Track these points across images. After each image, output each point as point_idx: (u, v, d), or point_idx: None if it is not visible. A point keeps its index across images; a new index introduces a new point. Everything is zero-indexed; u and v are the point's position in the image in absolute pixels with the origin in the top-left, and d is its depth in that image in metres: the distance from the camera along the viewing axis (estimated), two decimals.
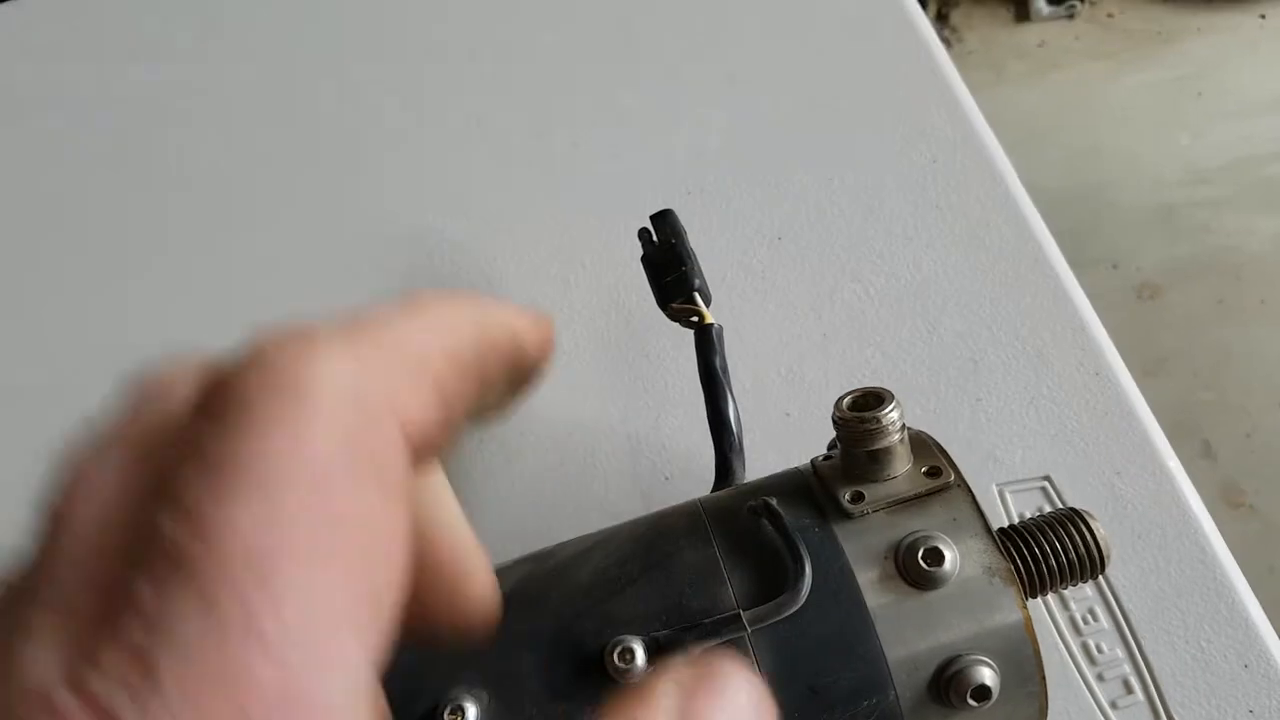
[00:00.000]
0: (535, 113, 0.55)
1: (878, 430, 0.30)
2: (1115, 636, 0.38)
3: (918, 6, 0.55)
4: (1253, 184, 1.55)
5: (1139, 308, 1.41)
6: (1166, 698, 0.37)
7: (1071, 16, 1.83)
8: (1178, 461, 0.41)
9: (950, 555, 0.29)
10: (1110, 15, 1.81)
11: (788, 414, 0.44)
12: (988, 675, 0.28)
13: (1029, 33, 1.81)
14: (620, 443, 0.45)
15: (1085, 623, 0.38)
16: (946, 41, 1.77)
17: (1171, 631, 0.38)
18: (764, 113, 0.53)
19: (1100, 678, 0.37)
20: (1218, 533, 0.40)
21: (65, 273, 0.55)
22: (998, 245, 0.46)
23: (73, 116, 0.62)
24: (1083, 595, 0.39)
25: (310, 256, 0.53)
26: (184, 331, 0.50)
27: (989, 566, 0.29)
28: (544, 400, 0.46)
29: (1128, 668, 0.38)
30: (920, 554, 0.29)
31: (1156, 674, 0.37)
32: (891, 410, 0.30)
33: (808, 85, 0.53)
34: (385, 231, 0.53)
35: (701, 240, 0.42)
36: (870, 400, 0.31)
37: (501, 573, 0.34)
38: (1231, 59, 1.71)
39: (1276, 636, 0.37)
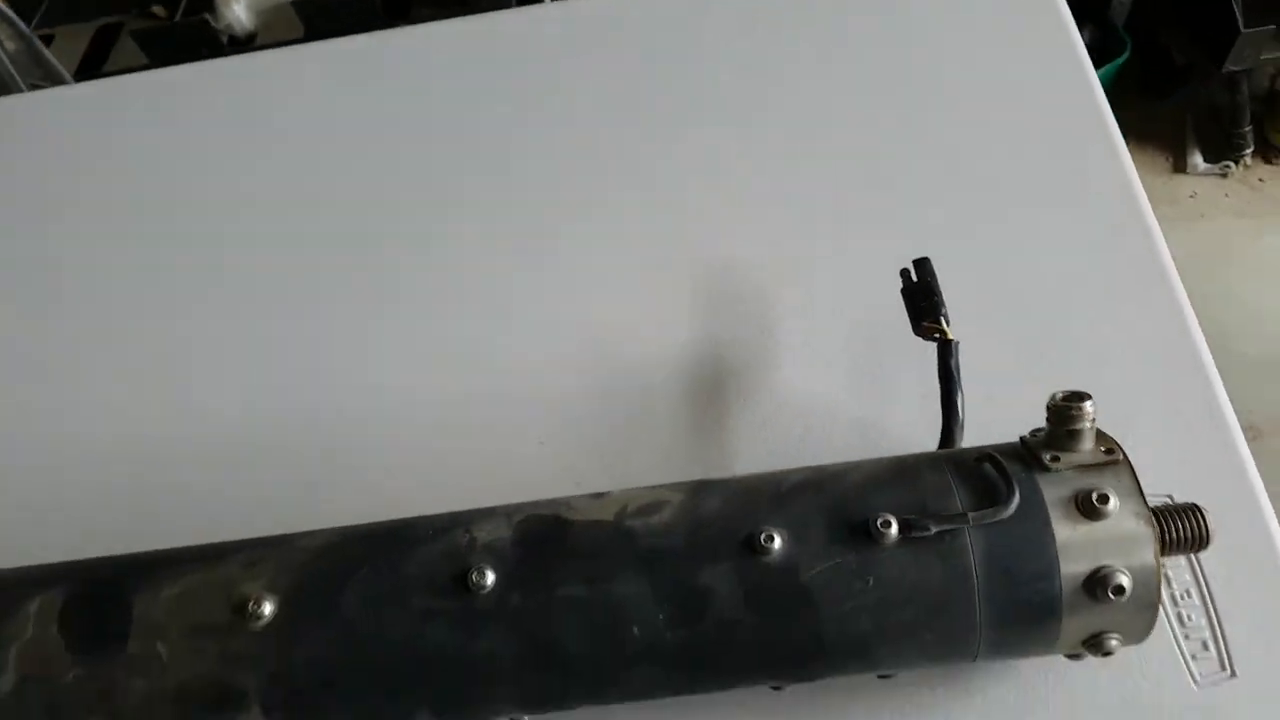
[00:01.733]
0: (817, 182, 0.73)
1: (1079, 415, 0.46)
2: (1201, 611, 0.52)
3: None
4: None
5: None
6: (1234, 658, 0.51)
7: (1225, 175, 1.96)
8: (1267, 499, 0.55)
9: (1114, 502, 0.44)
10: (1261, 180, 1.94)
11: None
12: (1125, 581, 0.43)
13: (1183, 184, 1.94)
14: (852, 421, 0.61)
15: (1182, 598, 0.53)
16: None
17: (1245, 613, 0.52)
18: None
19: (1187, 637, 0.52)
20: None
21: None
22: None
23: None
24: (1182, 579, 0.53)
25: (642, 281, 0.70)
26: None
27: (1138, 514, 0.44)
28: (791, 383, 0.63)
29: (1207, 634, 0.52)
30: (1094, 497, 0.44)
31: (1229, 641, 0.51)
32: (1089, 404, 0.46)
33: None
34: (704, 263, 0.70)
35: None
36: (1075, 396, 0.47)
37: (788, 472, 0.50)
38: None
39: None
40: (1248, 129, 1.93)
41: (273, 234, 0.77)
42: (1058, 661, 0.51)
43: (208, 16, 1.37)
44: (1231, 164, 1.96)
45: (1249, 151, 1.94)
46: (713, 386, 0.63)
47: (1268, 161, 1.97)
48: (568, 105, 0.82)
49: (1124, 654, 0.49)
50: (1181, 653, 0.51)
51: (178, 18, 1.39)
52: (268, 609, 0.44)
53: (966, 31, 0.82)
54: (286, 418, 0.65)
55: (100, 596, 0.46)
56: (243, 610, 0.44)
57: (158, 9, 1.46)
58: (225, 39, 1.40)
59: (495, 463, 0.56)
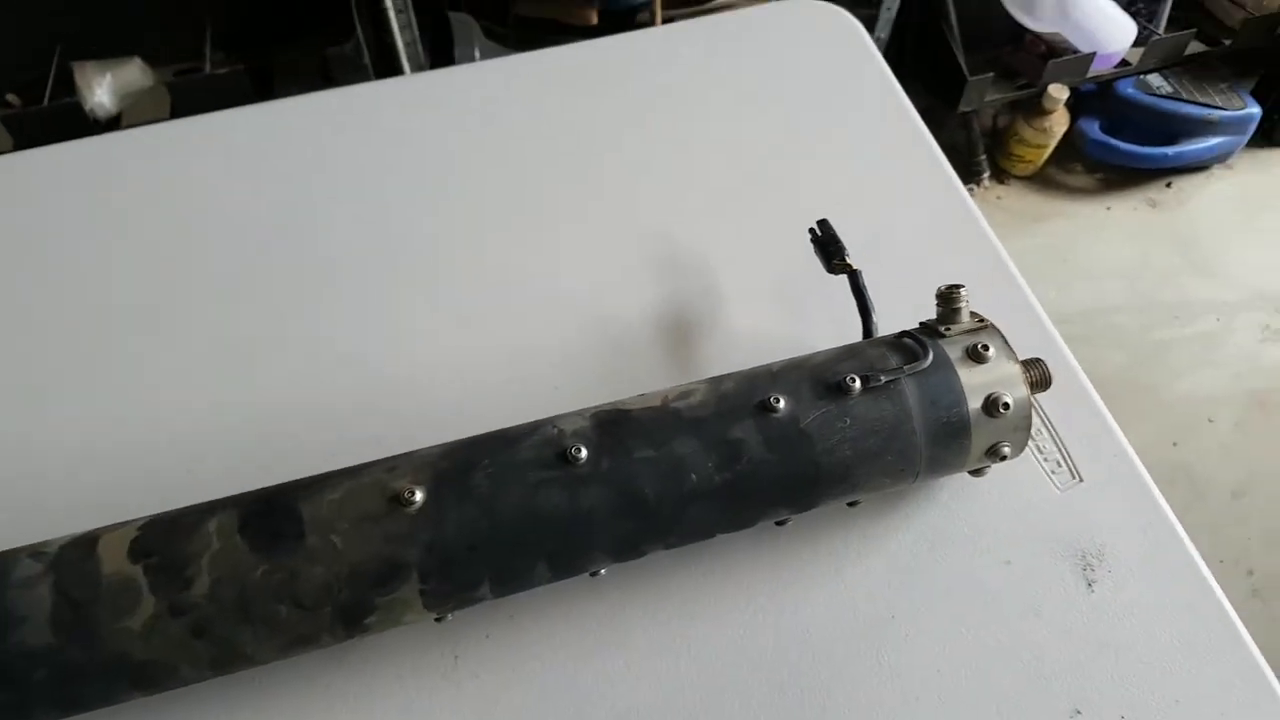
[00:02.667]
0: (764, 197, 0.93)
1: (958, 297, 0.67)
2: (1049, 439, 0.74)
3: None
4: (1100, 328, 2.05)
5: None
6: (1079, 469, 0.73)
7: (970, 195, 2.37)
8: (1075, 361, 0.79)
9: (993, 351, 0.65)
10: (999, 197, 2.36)
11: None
12: (1010, 400, 0.64)
13: None
14: (786, 342, 0.80)
15: (1037, 434, 0.75)
16: None
17: (1078, 437, 0.75)
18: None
19: (1044, 459, 0.73)
20: (1105, 408, 0.77)
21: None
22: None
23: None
24: (1035, 424, 0.75)
25: (613, 259, 0.87)
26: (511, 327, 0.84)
27: (1009, 358, 0.65)
28: (735, 320, 0.81)
29: (1057, 456, 0.74)
30: (979, 347, 0.65)
31: (1073, 458, 0.73)
32: (964, 290, 0.67)
33: None
34: (652, 239, 0.88)
35: None
36: (954, 286, 0.68)
37: (770, 364, 0.67)
38: (1085, 236, 2.25)
39: (1125, 439, 0.74)
40: (982, 158, 2.35)
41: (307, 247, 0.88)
42: (965, 484, 0.71)
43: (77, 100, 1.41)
44: (975, 185, 2.37)
45: (986, 175, 2.36)
46: (678, 328, 0.81)
47: (1001, 183, 2.41)
48: (516, 148, 0.99)
49: (1005, 477, 0.70)
50: (1044, 470, 0.73)
51: (45, 103, 1.42)
52: (419, 496, 0.57)
53: (809, 78, 1.06)
54: (335, 392, 0.77)
55: (271, 509, 0.57)
56: (398, 499, 0.57)
57: (12, 97, 1.48)
58: (92, 121, 1.45)
59: (524, 408, 0.70)
